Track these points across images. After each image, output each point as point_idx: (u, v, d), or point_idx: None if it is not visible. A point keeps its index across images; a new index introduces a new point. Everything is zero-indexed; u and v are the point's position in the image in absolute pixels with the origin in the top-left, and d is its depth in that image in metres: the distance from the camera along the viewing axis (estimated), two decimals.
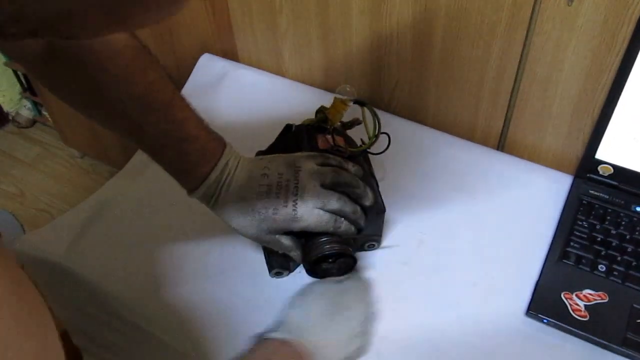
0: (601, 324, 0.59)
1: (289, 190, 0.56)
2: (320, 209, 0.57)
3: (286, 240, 0.59)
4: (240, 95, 0.91)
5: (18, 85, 1.83)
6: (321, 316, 0.55)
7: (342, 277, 0.61)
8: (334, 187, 0.58)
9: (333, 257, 0.60)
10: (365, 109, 0.64)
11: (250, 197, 0.56)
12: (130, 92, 0.53)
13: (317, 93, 0.91)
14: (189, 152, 0.56)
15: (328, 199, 0.57)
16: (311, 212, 0.56)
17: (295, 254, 0.60)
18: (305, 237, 0.60)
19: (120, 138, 0.59)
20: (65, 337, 0.88)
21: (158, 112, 0.55)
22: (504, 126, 0.79)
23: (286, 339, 0.52)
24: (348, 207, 0.58)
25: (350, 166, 0.61)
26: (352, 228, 0.60)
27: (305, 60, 0.91)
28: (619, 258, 0.64)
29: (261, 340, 0.52)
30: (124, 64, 0.53)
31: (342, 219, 0.59)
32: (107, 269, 0.68)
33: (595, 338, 0.58)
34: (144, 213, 0.74)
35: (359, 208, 0.60)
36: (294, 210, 0.56)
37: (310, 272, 0.61)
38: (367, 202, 0.60)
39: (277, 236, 0.58)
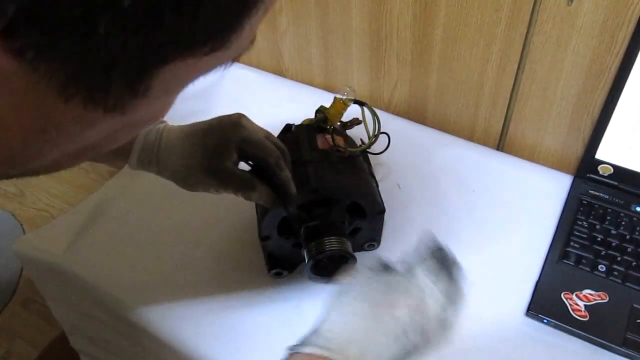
0: (601, 324, 0.58)
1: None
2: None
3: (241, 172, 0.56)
4: (240, 95, 0.91)
5: None
6: (363, 322, 0.49)
7: (380, 269, 0.54)
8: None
9: (333, 258, 0.60)
10: (365, 109, 0.64)
11: (190, 146, 0.56)
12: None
13: (317, 93, 0.91)
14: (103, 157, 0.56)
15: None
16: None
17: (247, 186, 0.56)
18: (309, 238, 0.59)
19: None
20: (62, 340, 0.88)
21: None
22: (503, 126, 0.79)
23: (324, 355, 0.46)
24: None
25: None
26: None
27: (305, 60, 0.91)
28: (619, 258, 0.64)
29: (294, 355, 0.47)
30: None
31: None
32: (106, 269, 0.68)
33: (595, 338, 0.58)
34: (143, 213, 0.74)
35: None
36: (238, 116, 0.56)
37: (311, 270, 0.60)
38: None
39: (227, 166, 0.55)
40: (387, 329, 0.49)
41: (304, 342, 0.48)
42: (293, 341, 0.53)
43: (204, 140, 0.55)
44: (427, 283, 0.51)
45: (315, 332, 0.49)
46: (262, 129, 0.59)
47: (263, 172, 0.56)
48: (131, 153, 0.56)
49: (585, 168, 0.72)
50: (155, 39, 0.22)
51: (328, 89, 0.91)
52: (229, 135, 0.55)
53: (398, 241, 0.69)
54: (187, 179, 0.56)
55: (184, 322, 0.62)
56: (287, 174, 0.56)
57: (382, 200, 0.63)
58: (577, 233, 0.67)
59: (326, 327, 0.49)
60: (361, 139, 0.66)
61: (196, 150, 0.55)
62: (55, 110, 0.24)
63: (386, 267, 0.54)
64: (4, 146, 0.26)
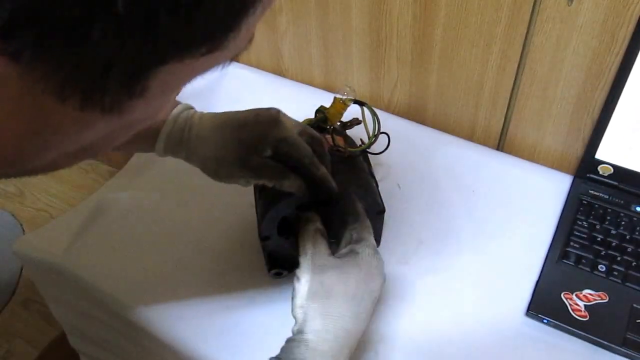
0: (601, 324, 0.59)
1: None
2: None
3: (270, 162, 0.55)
4: (240, 95, 0.91)
5: None
6: (350, 318, 0.49)
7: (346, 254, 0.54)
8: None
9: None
10: (365, 109, 0.64)
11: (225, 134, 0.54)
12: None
13: (316, 93, 0.91)
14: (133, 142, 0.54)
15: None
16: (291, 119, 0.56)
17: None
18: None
19: None
20: (62, 340, 0.89)
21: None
22: (503, 126, 0.79)
23: None
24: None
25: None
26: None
27: (305, 60, 0.91)
28: (619, 258, 0.64)
29: None
30: None
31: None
32: (106, 269, 0.68)
33: (595, 338, 0.58)
34: (143, 213, 0.74)
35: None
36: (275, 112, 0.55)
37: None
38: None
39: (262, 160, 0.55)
40: (367, 308, 0.51)
41: (294, 358, 0.46)
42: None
43: (240, 133, 0.55)
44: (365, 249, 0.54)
45: (304, 344, 0.47)
46: (298, 124, 0.58)
47: (297, 169, 0.55)
48: (158, 139, 0.56)
49: (585, 168, 0.72)
50: (152, 41, 0.22)
51: (328, 89, 0.91)
52: (266, 131, 0.54)
53: (398, 241, 0.69)
54: (219, 170, 0.55)
55: (184, 322, 0.62)
56: (323, 171, 0.55)
57: (382, 200, 0.63)
58: (577, 233, 0.67)
59: (315, 337, 0.47)
60: (361, 139, 0.66)
61: (231, 142, 0.54)
62: (52, 112, 0.24)
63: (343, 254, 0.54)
64: (1, 147, 0.26)
